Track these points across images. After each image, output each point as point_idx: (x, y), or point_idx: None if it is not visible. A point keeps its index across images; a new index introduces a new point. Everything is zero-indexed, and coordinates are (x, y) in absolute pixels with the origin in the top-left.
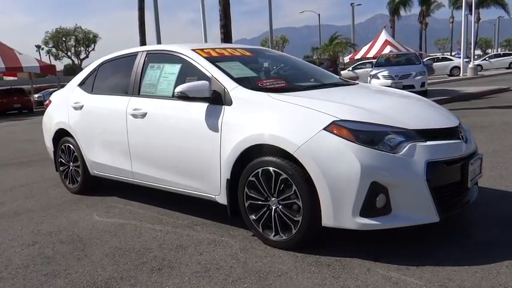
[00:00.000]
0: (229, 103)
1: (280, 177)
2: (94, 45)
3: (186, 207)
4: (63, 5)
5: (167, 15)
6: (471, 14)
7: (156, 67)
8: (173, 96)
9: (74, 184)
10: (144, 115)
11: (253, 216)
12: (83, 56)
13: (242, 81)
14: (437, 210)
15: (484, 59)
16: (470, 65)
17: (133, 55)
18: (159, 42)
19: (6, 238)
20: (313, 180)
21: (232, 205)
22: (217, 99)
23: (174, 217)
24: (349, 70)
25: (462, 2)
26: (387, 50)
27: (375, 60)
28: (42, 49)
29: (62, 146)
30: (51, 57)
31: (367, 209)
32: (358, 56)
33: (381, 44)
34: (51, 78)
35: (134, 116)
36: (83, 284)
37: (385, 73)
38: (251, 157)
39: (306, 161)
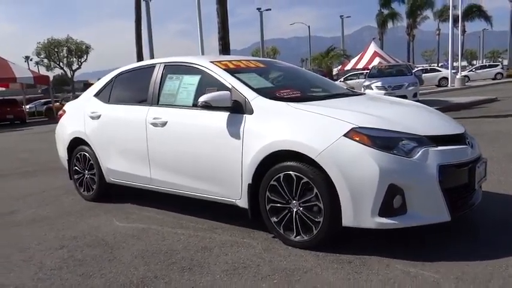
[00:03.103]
0: (250, 112)
1: (302, 181)
2: (87, 56)
3: (202, 212)
4: (51, 15)
5: (156, 26)
6: (456, 27)
7: (175, 78)
8: (193, 105)
9: (89, 191)
10: (164, 124)
11: (274, 219)
12: (75, 66)
13: (261, 92)
14: (449, 210)
15: (471, 70)
16: (458, 76)
17: (151, 67)
18: (151, 52)
19: (32, 243)
20: (334, 183)
21: (253, 208)
22: (238, 108)
23: (193, 221)
24: (340, 81)
25: (447, 15)
26: (376, 61)
27: (366, 71)
28: (31, 60)
29: (77, 155)
30: (43, 68)
31: (385, 209)
32: (348, 67)
33: (370, 55)
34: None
35: (154, 124)
36: (119, 283)
37: (379, 84)
38: (272, 162)
39: (327, 165)
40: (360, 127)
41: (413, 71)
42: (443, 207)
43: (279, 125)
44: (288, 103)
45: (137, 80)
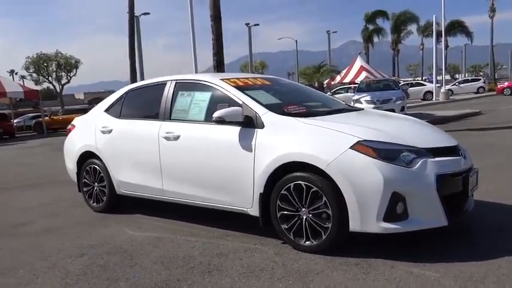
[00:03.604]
0: (261, 126)
1: (311, 190)
2: (76, 71)
3: (211, 221)
4: (38, 30)
5: (144, 41)
6: (439, 42)
7: (187, 94)
8: (205, 120)
9: (98, 203)
10: (177, 138)
11: (285, 226)
12: (64, 81)
13: (270, 107)
14: (446, 215)
15: (454, 84)
16: (442, 90)
17: (162, 84)
18: (141, 66)
19: (52, 252)
20: (342, 191)
21: (264, 216)
22: (249, 123)
23: (204, 230)
24: (329, 95)
25: (430, 30)
26: (363, 75)
27: (354, 85)
28: (16, 73)
29: (87, 168)
30: (30, 82)
31: (389, 215)
32: (335, 82)
33: (356, 69)
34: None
35: (167, 138)
36: (145, 286)
37: (367, 98)
38: (282, 173)
39: (335, 175)
40: (365, 140)
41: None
42: (441, 213)
43: (289, 139)
44: (297, 118)
45: (148, 96)
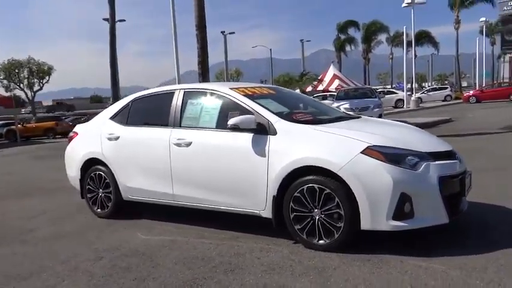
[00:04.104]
0: (274, 133)
1: (324, 192)
2: (49, 77)
3: (218, 223)
4: (8, 36)
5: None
6: (408, 51)
7: (196, 103)
8: (216, 127)
9: (103, 209)
10: (188, 144)
11: (298, 226)
12: (36, 88)
13: (280, 115)
14: (447, 213)
15: (423, 92)
16: (413, 98)
17: (171, 92)
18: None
19: (69, 256)
20: (354, 192)
21: (276, 217)
22: (262, 130)
23: (213, 233)
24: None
25: (399, 40)
26: (336, 83)
27: (329, 93)
28: None
29: (92, 174)
30: (1, 89)
31: (398, 213)
32: (309, 89)
33: (329, 77)
34: None
35: (178, 145)
36: (173, 285)
37: (347, 106)
38: (295, 177)
39: (348, 178)
40: (374, 145)
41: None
42: (443, 211)
43: (303, 145)
44: (308, 125)
45: (156, 104)
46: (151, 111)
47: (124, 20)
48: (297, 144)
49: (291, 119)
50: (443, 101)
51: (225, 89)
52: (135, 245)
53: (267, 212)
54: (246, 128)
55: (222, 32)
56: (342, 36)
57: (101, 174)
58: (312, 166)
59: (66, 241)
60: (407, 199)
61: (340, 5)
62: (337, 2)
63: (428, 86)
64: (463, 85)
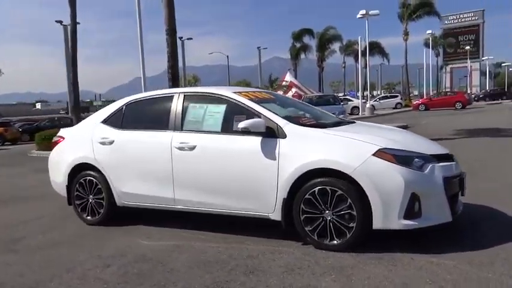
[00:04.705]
0: (283, 136)
1: (336, 193)
2: None
3: (217, 228)
4: None
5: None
6: (357, 61)
7: (199, 106)
8: (222, 131)
9: (94, 216)
10: (192, 148)
11: (308, 227)
12: None
13: (288, 119)
14: (451, 212)
15: (375, 100)
16: (368, 105)
17: (169, 96)
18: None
19: (74, 264)
20: (367, 193)
21: (286, 219)
22: (270, 133)
23: (216, 237)
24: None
25: (351, 50)
26: (293, 91)
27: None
28: None
29: (81, 180)
30: None
31: (409, 213)
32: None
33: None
34: None
35: (181, 148)
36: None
37: None
38: (305, 179)
39: (361, 179)
40: (385, 148)
41: None
42: (448, 210)
43: (314, 147)
44: (317, 129)
45: (153, 107)
46: (148, 115)
47: (79, 23)
48: (308, 147)
49: (297, 122)
50: (394, 108)
51: (229, 93)
52: (140, 251)
53: (276, 215)
54: (254, 132)
55: (180, 38)
56: (297, 44)
57: (91, 180)
58: (325, 168)
59: (63, 249)
60: (417, 199)
61: (294, 14)
62: (292, 10)
63: (378, 95)
64: (415, 94)
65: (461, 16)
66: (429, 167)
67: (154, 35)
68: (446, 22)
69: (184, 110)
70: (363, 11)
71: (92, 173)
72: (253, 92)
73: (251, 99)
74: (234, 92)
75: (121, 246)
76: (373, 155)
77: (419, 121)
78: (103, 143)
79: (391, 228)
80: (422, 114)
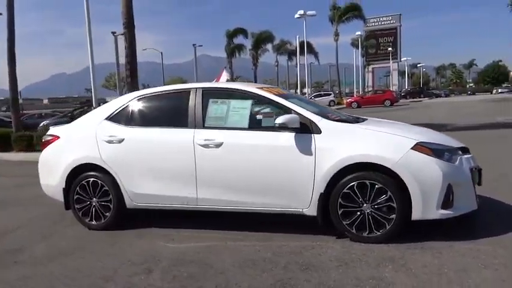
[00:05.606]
0: (318, 132)
1: (376, 187)
2: None
3: (227, 225)
4: None
5: None
6: (291, 59)
7: (220, 102)
8: (249, 127)
9: (98, 220)
10: (219, 145)
11: (346, 221)
12: None
13: (319, 115)
14: (476, 201)
15: (310, 98)
16: None
17: (184, 91)
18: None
19: (107, 272)
20: (407, 185)
21: (321, 214)
22: (304, 129)
23: (239, 235)
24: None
25: (283, 49)
26: None
27: None
28: None
29: (83, 182)
30: None
31: (445, 203)
32: None
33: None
34: None
35: (205, 146)
36: (263, 287)
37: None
38: (343, 174)
39: (402, 172)
40: (422, 142)
41: None
42: (474, 199)
43: (352, 143)
44: (352, 124)
45: (166, 104)
46: (161, 111)
47: (1, 14)
48: (345, 143)
49: (329, 118)
50: (327, 105)
51: (252, 88)
52: (169, 254)
53: (311, 210)
54: (286, 128)
55: (113, 33)
56: (233, 43)
57: (96, 181)
58: (364, 163)
59: (78, 257)
60: (451, 189)
61: (227, 11)
62: (223, 7)
63: (308, 93)
64: (346, 92)
65: (381, 19)
66: (458, 159)
67: (74, 28)
68: (368, 25)
69: (204, 106)
70: (301, 11)
71: (96, 173)
72: (268, 88)
73: (278, 95)
74: (258, 88)
75: (146, 250)
76: (412, 148)
77: None
78: (110, 142)
79: (429, 218)
80: (356, 112)
